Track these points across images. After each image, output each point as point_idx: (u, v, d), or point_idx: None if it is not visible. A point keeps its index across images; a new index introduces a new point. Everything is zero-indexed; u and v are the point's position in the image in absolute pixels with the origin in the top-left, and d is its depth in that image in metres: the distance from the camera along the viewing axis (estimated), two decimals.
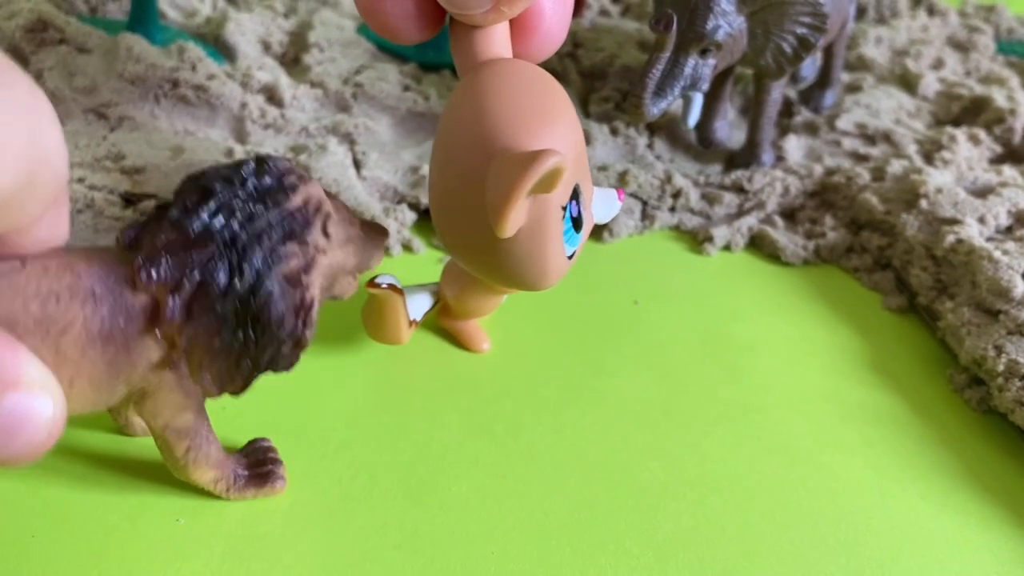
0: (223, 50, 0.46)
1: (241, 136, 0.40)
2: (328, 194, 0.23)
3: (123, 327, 0.20)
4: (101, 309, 0.19)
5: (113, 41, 0.42)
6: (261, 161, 0.21)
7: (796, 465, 0.28)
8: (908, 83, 0.50)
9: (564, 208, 0.24)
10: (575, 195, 0.25)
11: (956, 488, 0.28)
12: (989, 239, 0.36)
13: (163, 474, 0.24)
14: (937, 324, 0.34)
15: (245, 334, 0.21)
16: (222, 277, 0.20)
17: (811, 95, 0.48)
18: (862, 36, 0.55)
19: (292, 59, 0.47)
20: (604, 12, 0.57)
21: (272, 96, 0.42)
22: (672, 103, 0.37)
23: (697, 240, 0.39)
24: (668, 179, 0.40)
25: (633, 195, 0.40)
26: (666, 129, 0.44)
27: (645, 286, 0.36)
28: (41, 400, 0.16)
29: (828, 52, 0.46)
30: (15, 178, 0.15)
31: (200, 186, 0.20)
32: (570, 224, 0.25)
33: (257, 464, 0.25)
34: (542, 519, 0.25)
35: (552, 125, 0.23)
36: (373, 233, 0.24)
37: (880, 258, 0.38)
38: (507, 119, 0.23)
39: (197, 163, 0.36)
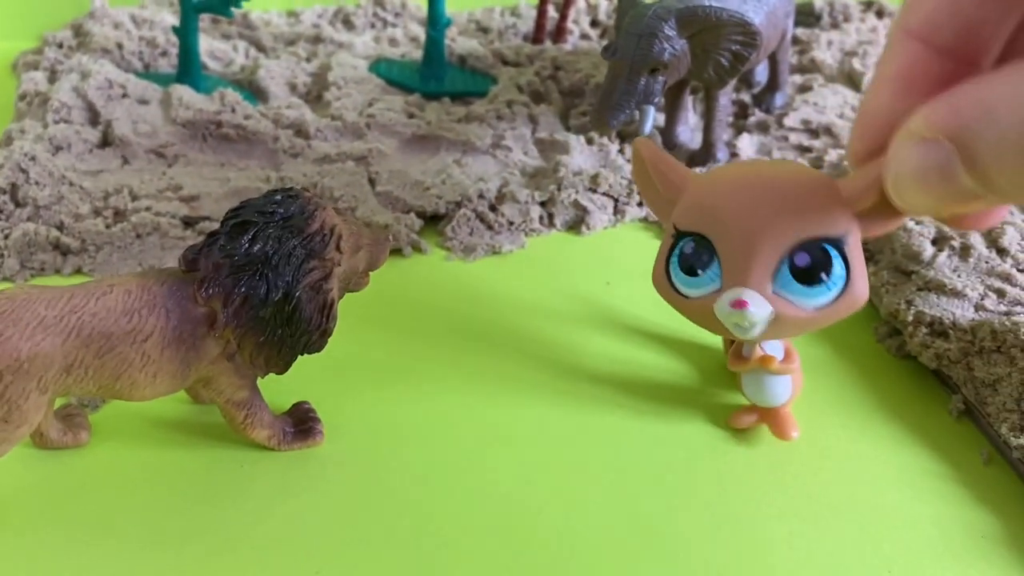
0: (256, 92, 0.53)
1: (275, 165, 0.46)
2: (338, 211, 0.28)
3: (191, 331, 0.25)
4: (173, 319, 0.25)
5: (166, 92, 0.49)
6: (287, 194, 0.27)
7: (735, 405, 0.33)
8: (853, 81, 0.56)
9: (675, 233, 0.27)
10: (701, 240, 0.27)
11: (873, 419, 0.33)
12: None
13: (228, 433, 0.30)
14: None
15: (283, 331, 0.26)
16: (261, 291, 0.25)
17: (763, 98, 0.53)
18: (815, 41, 0.60)
19: (316, 97, 0.53)
20: (585, 36, 0.63)
21: (299, 130, 0.48)
22: (630, 115, 0.43)
23: (663, 229, 0.45)
24: None
25: (606, 194, 0.45)
26: (635, 137, 0.50)
27: (617, 270, 0.41)
28: None
29: (773, 60, 0.52)
30: None
31: (241, 219, 0.26)
32: (677, 258, 0.28)
33: (300, 422, 0.30)
34: (530, 467, 0.31)
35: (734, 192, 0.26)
36: (379, 237, 0.29)
37: None
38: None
39: (241, 189, 0.43)
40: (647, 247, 0.44)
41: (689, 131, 0.50)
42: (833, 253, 0.25)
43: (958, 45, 0.18)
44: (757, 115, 0.53)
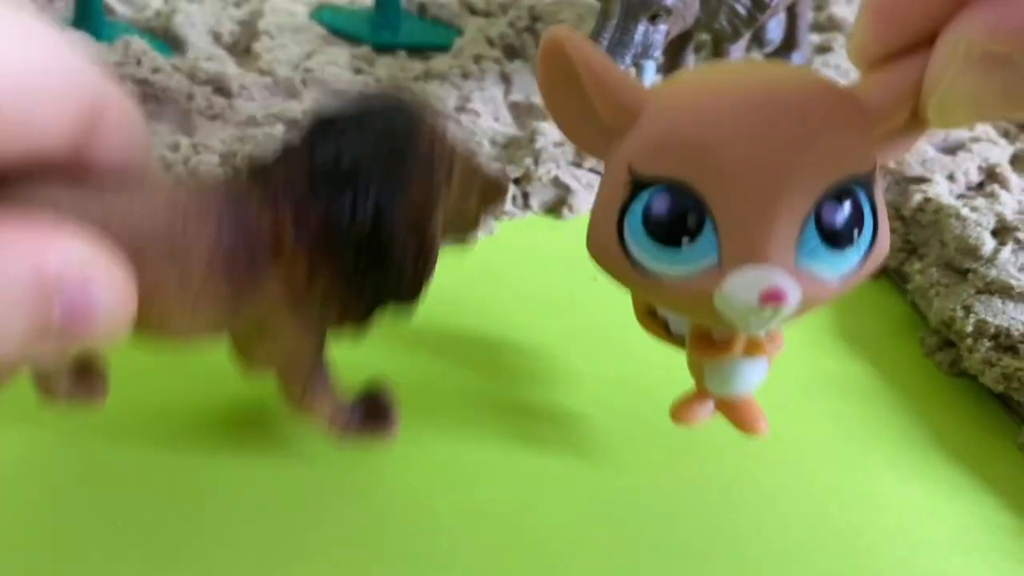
0: (173, 43, 0.48)
1: (188, 129, 0.41)
2: (456, 140, 0.23)
3: (249, 254, 0.21)
4: (227, 235, 0.20)
5: None
6: (390, 99, 0.22)
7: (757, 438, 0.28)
8: None
9: (630, 181, 0.20)
10: (681, 193, 0.19)
11: (926, 455, 0.28)
12: (959, 196, 0.36)
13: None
14: (907, 287, 0.34)
15: (366, 266, 0.21)
16: (346, 209, 0.21)
17: (778, 59, 0.48)
18: None
19: (244, 48, 0.48)
20: None
21: (219, 87, 0.43)
22: (624, 72, 0.38)
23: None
24: None
25: (593, 170, 0.40)
26: None
27: None
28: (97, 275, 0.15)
29: (791, 13, 0.47)
30: None
31: (328, 121, 0.21)
32: (640, 219, 0.20)
33: (372, 405, 0.26)
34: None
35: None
36: (495, 176, 0.25)
37: None
38: None
39: None
40: None
41: None
42: (863, 197, 0.19)
43: None
44: None
